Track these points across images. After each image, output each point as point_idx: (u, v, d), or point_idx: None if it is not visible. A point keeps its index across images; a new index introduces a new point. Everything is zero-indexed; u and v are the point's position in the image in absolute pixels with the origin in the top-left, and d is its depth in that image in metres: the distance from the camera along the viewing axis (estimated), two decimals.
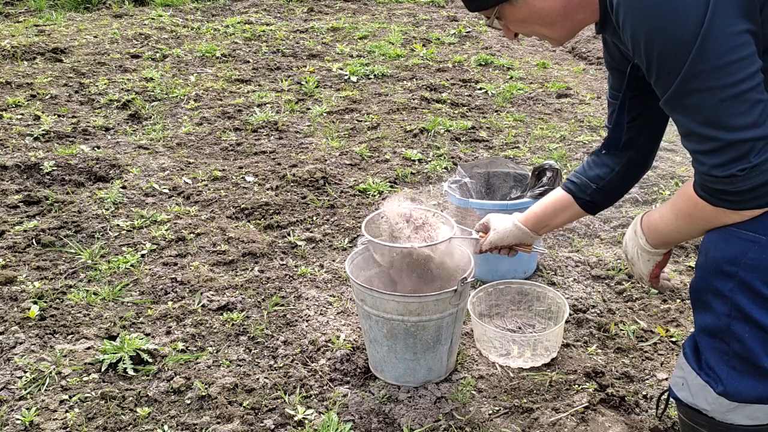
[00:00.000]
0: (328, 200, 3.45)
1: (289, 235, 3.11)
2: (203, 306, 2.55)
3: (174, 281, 2.70)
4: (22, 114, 4.48)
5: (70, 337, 2.37)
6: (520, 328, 2.43)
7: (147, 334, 2.39)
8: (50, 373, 2.16)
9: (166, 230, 3.09)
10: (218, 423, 1.97)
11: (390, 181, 3.66)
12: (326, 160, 3.91)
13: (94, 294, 2.61)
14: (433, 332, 2.04)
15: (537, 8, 1.43)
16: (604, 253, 2.93)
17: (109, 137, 4.25)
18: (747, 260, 1.31)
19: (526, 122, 4.57)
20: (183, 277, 2.72)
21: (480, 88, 5.28)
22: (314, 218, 3.27)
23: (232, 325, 2.45)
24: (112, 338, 2.36)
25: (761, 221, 1.30)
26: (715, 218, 1.35)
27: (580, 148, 4.09)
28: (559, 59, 6.40)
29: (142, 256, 2.90)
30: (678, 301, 2.59)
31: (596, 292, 2.65)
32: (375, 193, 3.51)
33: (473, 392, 2.10)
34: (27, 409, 2.01)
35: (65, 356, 2.25)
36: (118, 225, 3.15)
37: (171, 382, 2.13)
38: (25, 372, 2.17)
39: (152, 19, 7.46)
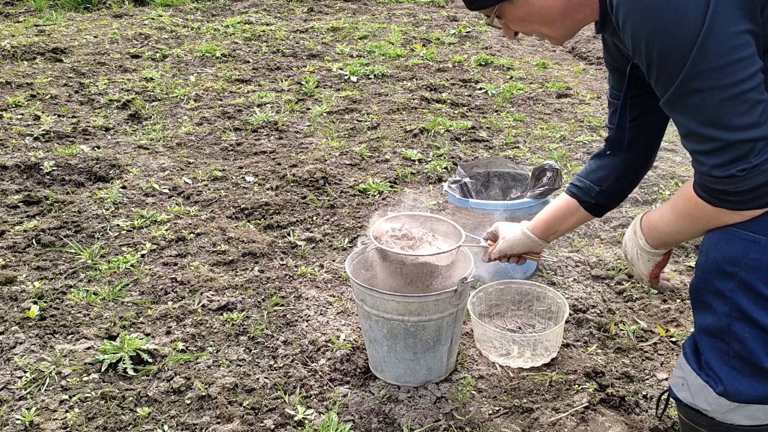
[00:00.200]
0: (328, 200, 3.45)
1: (289, 235, 3.11)
2: (203, 306, 2.55)
3: (174, 281, 2.70)
4: (22, 114, 4.48)
5: (70, 337, 2.37)
6: (520, 328, 2.43)
7: (147, 334, 2.39)
8: (50, 373, 2.16)
9: (166, 230, 3.09)
10: (218, 423, 1.97)
11: (390, 181, 3.66)
12: (326, 160, 3.91)
13: (94, 294, 2.61)
14: (433, 332, 2.04)
15: (537, 7, 1.43)
16: (604, 253, 2.93)
17: (109, 137, 4.25)
18: (748, 260, 1.31)
19: (526, 122, 4.57)
20: (183, 277, 2.72)
21: (480, 88, 5.28)
22: (314, 218, 3.27)
23: (232, 325, 2.45)
24: (112, 338, 2.36)
25: (762, 221, 1.30)
26: (716, 218, 1.35)
27: (580, 148, 4.09)
28: (559, 59, 6.40)
29: (142, 256, 2.90)
30: (678, 301, 2.59)
31: (596, 292, 2.65)
32: (375, 193, 3.51)
33: (473, 392, 2.10)
34: (27, 409, 2.01)
35: (65, 356, 2.25)
36: (118, 225, 3.15)
37: (171, 382, 2.13)
38: (25, 372, 2.17)
39: (152, 19, 7.46)
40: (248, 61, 5.98)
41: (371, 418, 1.99)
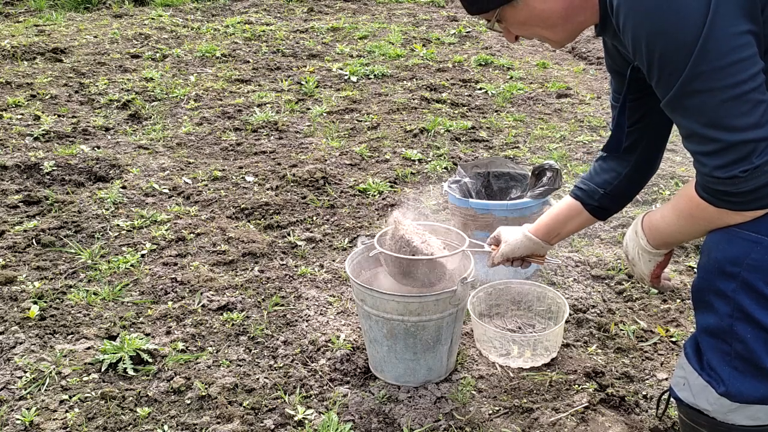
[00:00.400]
0: (328, 200, 3.45)
1: (289, 235, 3.11)
2: (203, 306, 2.55)
3: (174, 281, 2.70)
4: (22, 114, 4.47)
5: (70, 337, 2.37)
6: (520, 328, 2.43)
7: (147, 334, 2.38)
8: (50, 373, 2.16)
9: (166, 230, 3.09)
10: (218, 423, 1.97)
11: (390, 181, 3.66)
12: (326, 160, 3.91)
13: (94, 294, 2.61)
14: (433, 332, 2.04)
15: (538, 10, 1.43)
16: (604, 253, 2.93)
17: (109, 137, 4.24)
18: (750, 261, 1.30)
19: (526, 122, 4.57)
20: (183, 277, 2.72)
21: (480, 88, 5.28)
22: (314, 218, 3.27)
23: (232, 325, 2.44)
24: (112, 338, 2.36)
25: (764, 222, 1.29)
26: (717, 219, 1.35)
27: (580, 148, 4.09)
28: (559, 59, 6.40)
29: (142, 256, 2.90)
30: (678, 301, 2.59)
31: (596, 292, 2.65)
32: (375, 193, 3.51)
33: (473, 392, 2.10)
34: (27, 409, 2.01)
35: (65, 356, 2.24)
36: (118, 225, 3.15)
37: (171, 382, 2.13)
38: (25, 372, 2.17)
39: (152, 19, 7.46)
40: (248, 61, 5.98)
41: (371, 418, 1.99)
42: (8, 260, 2.83)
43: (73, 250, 2.93)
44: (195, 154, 4.04)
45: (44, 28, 6.95)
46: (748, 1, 1.18)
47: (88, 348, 2.29)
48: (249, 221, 3.24)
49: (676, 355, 2.28)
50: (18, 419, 1.97)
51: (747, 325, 1.34)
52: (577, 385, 2.11)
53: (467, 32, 7.18)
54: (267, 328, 2.43)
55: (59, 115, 4.52)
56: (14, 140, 4.02)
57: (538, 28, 1.48)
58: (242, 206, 3.34)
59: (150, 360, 2.23)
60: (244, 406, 2.04)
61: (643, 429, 1.94)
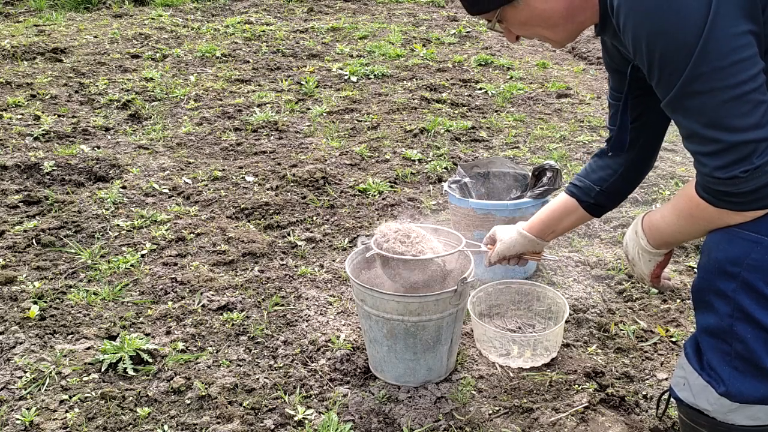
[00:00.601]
0: (328, 200, 3.45)
1: (289, 235, 3.11)
2: (203, 306, 2.55)
3: (174, 281, 2.70)
4: (22, 114, 4.47)
5: (70, 337, 2.37)
6: (520, 328, 2.43)
7: (147, 334, 2.38)
8: (50, 373, 2.16)
9: (166, 230, 3.09)
10: (218, 423, 1.97)
11: (390, 181, 3.66)
12: (326, 160, 3.91)
13: (94, 294, 2.61)
14: (433, 332, 2.04)
15: (539, 10, 1.43)
16: (604, 253, 2.93)
17: (109, 137, 4.24)
18: (750, 261, 1.30)
19: (526, 122, 4.57)
20: (183, 277, 2.72)
21: (480, 88, 5.28)
22: (314, 218, 3.27)
23: (232, 325, 2.44)
24: (112, 338, 2.36)
25: (764, 222, 1.29)
26: (718, 219, 1.35)
27: (580, 148, 4.09)
28: (559, 59, 6.40)
29: (142, 256, 2.90)
30: (678, 301, 2.59)
31: (596, 292, 2.65)
32: (375, 193, 3.51)
33: (473, 392, 2.10)
34: (27, 409, 2.01)
35: (65, 356, 2.24)
36: (118, 225, 3.15)
37: (171, 382, 2.13)
38: (25, 372, 2.17)
39: (152, 19, 7.46)
40: (248, 61, 5.98)
41: (371, 418, 1.99)
42: (8, 260, 2.83)
43: (73, 250, 2.93)
44: (195, 154, 4.04)
45: (44, 28, 6.95)
46: (749, 1, 1.18)
47: (88, 348, 2.29)
48: (249, 221, 3.24)
49: (676, 355, 2.28)
50: (18, 419, 1.97)
51: (747, 325, 1.34)
52: (577, 385, 2.11)
53: (467, 32, 7.18)
54: (267, 328, 2.43)
55: (59, 115, 4.52)
56: (14, 140, 4.02)
57: (539, 28, 1.48)
58: (242, 206, 3.34)
59: (150, 360, 2.23)
60: (244, 406, 2.04)
61: (643, 429, 1.94)
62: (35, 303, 2.53)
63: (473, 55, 6.21)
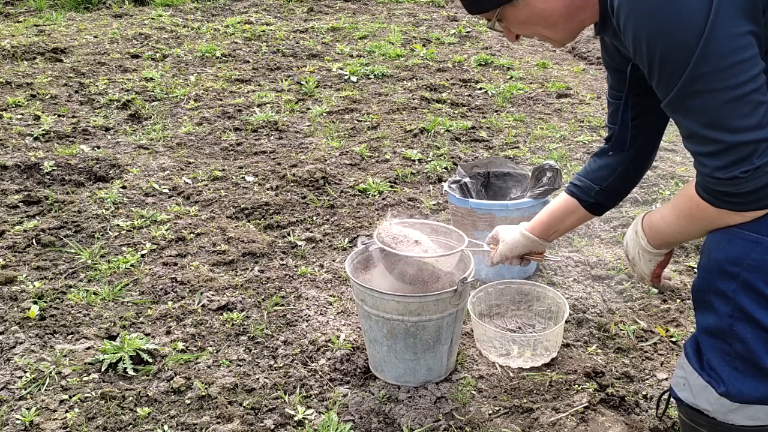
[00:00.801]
0: (328, 200, 3.45)
1: (289, 235, 3.11)
2: (203, 306, 2.55)
3: (174, 281, 2.70)
4: (22, 114, 4.47)
5: (70, 337, 2.37)
6: (520, 328, 2.43)
7: (147, 334, 2.38)
8: (50, 373, 2.16)
9: (166, 230, 3.09)
10: (218, 423, 1.97)
11: (390, 181, 3.66)
12: (326, 160, 3.91)
13: (94, 294, 2.61)
14: (433, 332, 2.04)
15: (539, 9, 1.43)
16: (604, 253, 2.93)
17: (109, 137, 4.24)
18: (750, 261, 1.30)
19: (526, 122, 4.57)
20: (183, 277, 2.72)
21: (480, 88, 5.28)
22: (314, 218, 3.27)
23: (232, 325, 2.44)
24: (112, 338, 2.36)
25: (764, 222, 1.29)
26: (718, 219, 1.35)
27: (580, 148, 4.09)
28: (559, 59, 6.40)
29: (142, 256, 2.90)
30: (678, 301, 2.59)
31: (596, 292, 2.65)
32: (375, 193, 3.51)
33: (473, 392, 2.10)
34: (27, 409, 2.01)
35: (65, 356, 2.24)
36: (118, 225, 3.15)
37: (171, 382, 2.13)
38: (25, 372, 2.17)
39: (152, 19, 7.46)
40: (248, 61, 5.98)
41: (371, 418, 1.99)
42: (8, 260, 2.83)
43: (73, 250, 2.93)
44: (195, 154, 4.04)
45: (44, 28, 6.95)
46: (750, 1, 1.18)
47: (88, 348, 2.29)
48: (249, 221, 3.24)
49: (676, 355, 2.28)
50: (18, 419, 1.97)
51: (747, 326, 1.34)
52: (577, 385, 2.11)
53: (467, 32, 7.18)
54: (267, 328, 2.43)
55: (59, 115, 4.52)
56: (14, 140, 4.02)
57: (539, 27, 1.48)
58: (242, 206, 3.34)
59: (150, 360, 2.23)
60: (244, 406, 2.04)
61: (643, 429, 1.94)
62: (35, 303, 2.53)
63: (473, 55, 6.21)
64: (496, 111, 4.80)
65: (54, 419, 1.98)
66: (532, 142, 4.20)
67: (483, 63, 5.98)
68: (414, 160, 3.92)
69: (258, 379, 2.16)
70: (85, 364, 2.21)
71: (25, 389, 2.10)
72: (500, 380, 2.16)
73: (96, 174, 3.66)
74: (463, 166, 2.92)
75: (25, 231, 3.05)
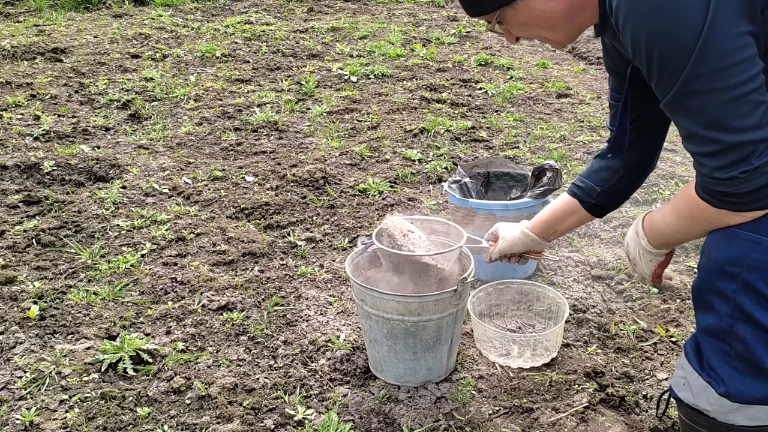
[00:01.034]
0: (328, 200, 3.45)
1: (289, 235, 3.11)
2: (203, 306, 2.55)
3: (174, 281, 2.70)
4: (22, 114, 4.47)
5: (70, 337, 2.37)
6: (520, 328, 2.43)
7: (147, 334, 2.38)
8: (50, 373, 2.16)
9: (166, 230, 3.09)
10: (218, 423, 1.97)
11: (390, 181, 3.66)
12: (326, 160, 3.91)
13: (94, 294, 2.61)
14: (433, 332, 2.04)
15: (539, 11, 1.43)
16: (604, 253, 2.93)
17: (109, 137, 4.24)
18: (750, 261, 1.30)
19: (526, 122, 4.57)
20: (183, 277, 2.72)
21: (480, 88, 5.28)
22: (314, 218, 3.27)
23: (232, 325, 2.44)
24: (112, 338, 2.36)
25: (764, 222, 1.29)
26: (717, 219, 1.35)
27: (580, 148, 4.09)
28: (559, 59, 6.40)
29: (142, 256, 2.90)
30: (678, 301, 2.59)
31: (596, 292, 2.65)
32: (375, 193, 3.51)
33: (473, 392, 2.10)
34: (27, 409, 2.01)
35: (65, 356, 2.24)
36: (118, 225, 3.15)
37: (171, 382, 2.13)
38: (25, 372, 2.17)
39: (152, 19, 7.46)
40: (248, 61, 5.98)
41: (371, 418, 1.99)
42: (8, 260, 2.83)
43: (73, 250, 2.93)
44: (195, 154, 4.04)
45: (44, 28, 6.95)
46: (749, 1, 1.18)
47: (88, 348, 2.30)
48: (249, 221, 3.24)
49: (676, 355, 2.28)
50: (18, 419, 1.97)
51: (747, 326, 1.34)
52: (577, 385, 2.11)
53: (467, 32, 7.18)
54: (267, 328, 2.43)
55: (59, 115, 4.52)
56: (14, 140, 4.02)
57: (539, 29, 1.47)
58: (242, 206, 3.34)
59: (150, 360, 2.23)
60: (244, 406, 2.04)
61: (643, 429, 1.94)
62: (35, 303, 2.53)
63: (473, 55, 6.21)
64: (496, 111, 4.80)
65: (54, 419, 1.98)
66: (532, 142, 4.20)
67: (483, 63, 5.98)
68: (414, 160, 3.92)
69: (258, 379, 2.16)
70: (85, 364, 2.21)
71: (25, 389, 2.10)
72: (500, 380, 2.16)
73: (96, 174, 3.66)
74: (463, 166, 2.92)
75: (25, 231, 3.05)
